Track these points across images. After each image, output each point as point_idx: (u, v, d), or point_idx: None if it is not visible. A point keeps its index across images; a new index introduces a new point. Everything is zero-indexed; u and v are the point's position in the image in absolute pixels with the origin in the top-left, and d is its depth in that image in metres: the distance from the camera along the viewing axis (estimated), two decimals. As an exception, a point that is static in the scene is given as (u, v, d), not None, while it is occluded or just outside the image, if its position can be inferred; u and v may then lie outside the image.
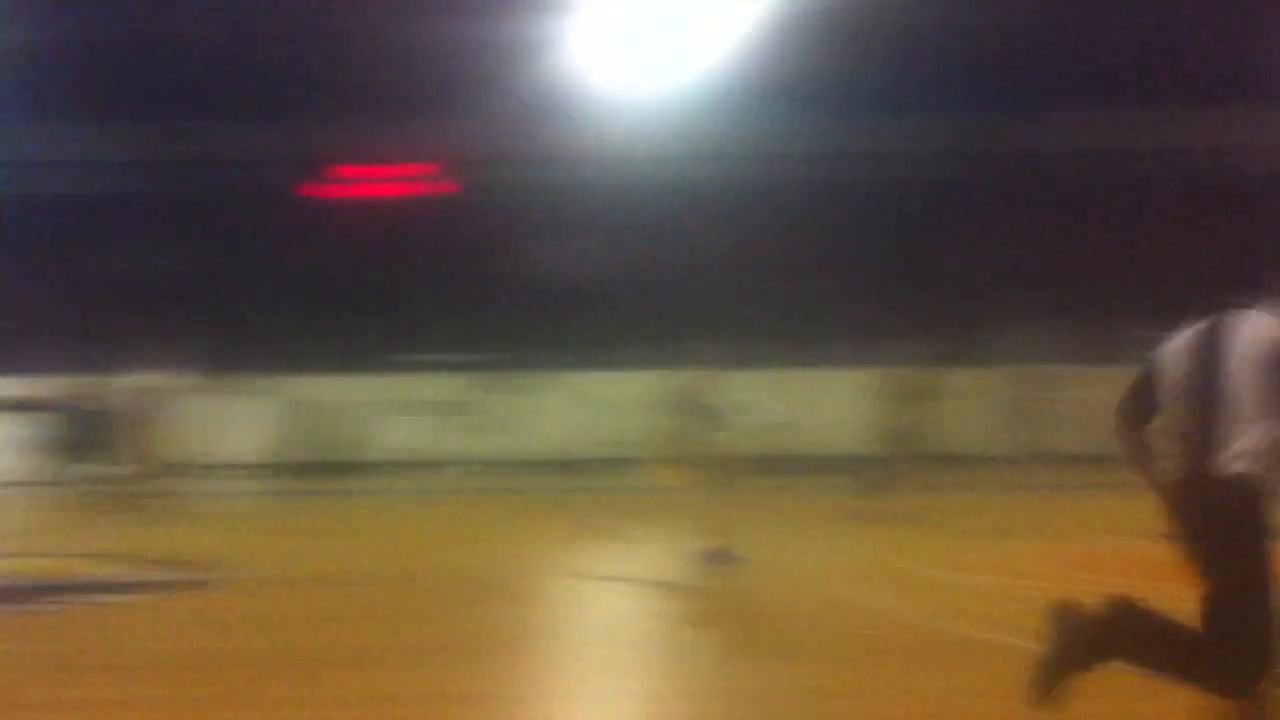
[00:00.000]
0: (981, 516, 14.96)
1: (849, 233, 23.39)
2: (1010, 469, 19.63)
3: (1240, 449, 4.66)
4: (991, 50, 22.64)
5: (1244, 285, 4.96)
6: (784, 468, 18.78)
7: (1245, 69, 22.05)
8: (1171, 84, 23.45)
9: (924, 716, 6.56)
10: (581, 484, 19.68)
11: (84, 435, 19.39)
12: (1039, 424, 20.57)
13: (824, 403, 20.79)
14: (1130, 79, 23.48)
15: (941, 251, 23.92)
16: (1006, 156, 24.41)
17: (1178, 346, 4.94)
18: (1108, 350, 22.20)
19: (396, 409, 22.52)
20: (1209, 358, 4.80)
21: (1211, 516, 4.71)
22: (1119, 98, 23.97)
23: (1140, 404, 5.01)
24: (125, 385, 17.09)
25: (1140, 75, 23.35)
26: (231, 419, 21.15)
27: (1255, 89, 22.75)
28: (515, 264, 23.22)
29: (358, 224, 25.09)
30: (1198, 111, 24.03)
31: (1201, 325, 4.91)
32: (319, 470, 21.51)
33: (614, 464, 19.64)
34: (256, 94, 23.76)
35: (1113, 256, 23.21)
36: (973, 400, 20.65)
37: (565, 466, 21.39)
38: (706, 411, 11.41)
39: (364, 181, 26.77)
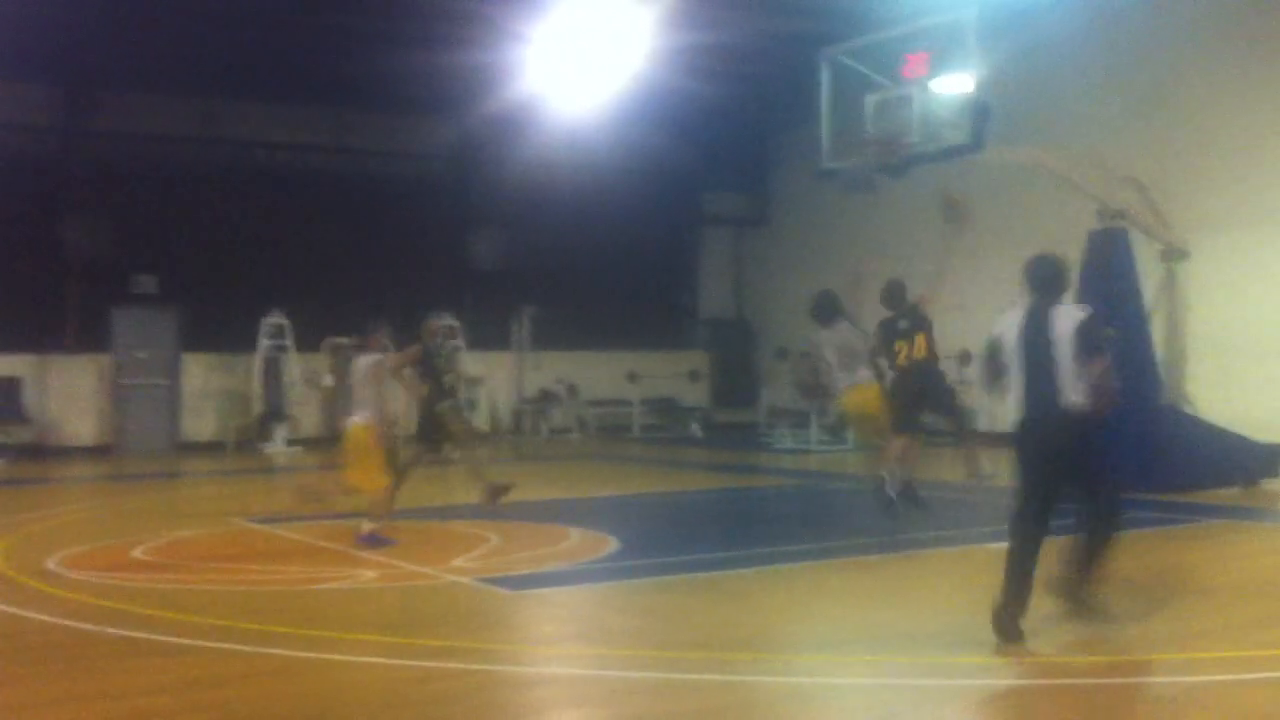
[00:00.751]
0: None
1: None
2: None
3: (1072, 392, 7.09)
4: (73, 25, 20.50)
5: (1051, 287, 7.41)
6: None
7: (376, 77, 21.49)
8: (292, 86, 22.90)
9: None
10: None
11: None
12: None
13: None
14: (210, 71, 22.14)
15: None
16: (91, 136, 22.80)
17: (1007, 330, 7.37)
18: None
19: None
20: (1039, 334, 7.21)
21: (1058, 440, 7.18)
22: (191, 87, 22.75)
23: (993, 368, 7.47)
24: None
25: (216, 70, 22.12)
26: None
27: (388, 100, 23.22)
28: None
29: None
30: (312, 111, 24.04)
31: (1023, 315, 7.33)
32: None
33: None
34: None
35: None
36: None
37: None
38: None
39: None
